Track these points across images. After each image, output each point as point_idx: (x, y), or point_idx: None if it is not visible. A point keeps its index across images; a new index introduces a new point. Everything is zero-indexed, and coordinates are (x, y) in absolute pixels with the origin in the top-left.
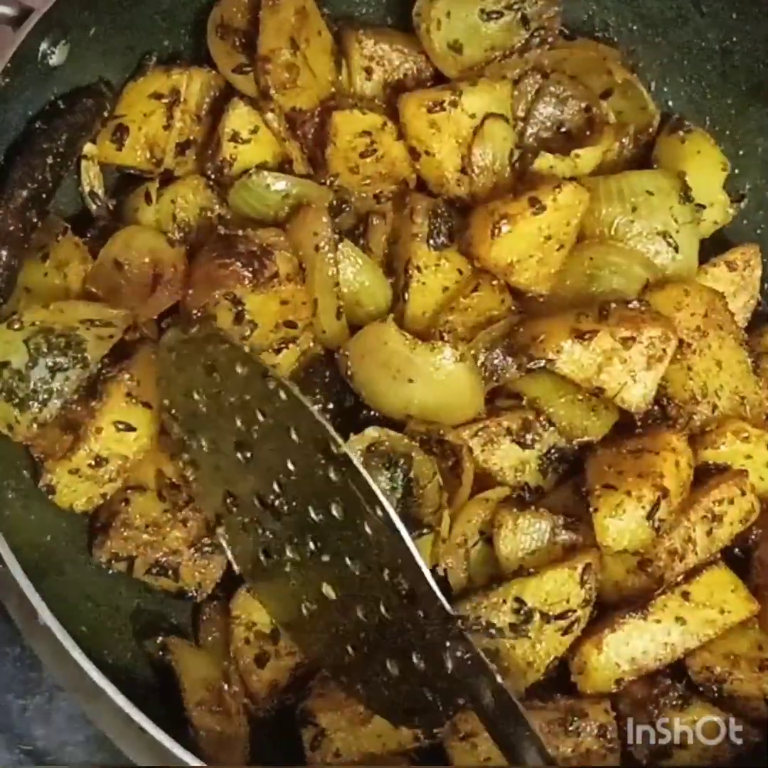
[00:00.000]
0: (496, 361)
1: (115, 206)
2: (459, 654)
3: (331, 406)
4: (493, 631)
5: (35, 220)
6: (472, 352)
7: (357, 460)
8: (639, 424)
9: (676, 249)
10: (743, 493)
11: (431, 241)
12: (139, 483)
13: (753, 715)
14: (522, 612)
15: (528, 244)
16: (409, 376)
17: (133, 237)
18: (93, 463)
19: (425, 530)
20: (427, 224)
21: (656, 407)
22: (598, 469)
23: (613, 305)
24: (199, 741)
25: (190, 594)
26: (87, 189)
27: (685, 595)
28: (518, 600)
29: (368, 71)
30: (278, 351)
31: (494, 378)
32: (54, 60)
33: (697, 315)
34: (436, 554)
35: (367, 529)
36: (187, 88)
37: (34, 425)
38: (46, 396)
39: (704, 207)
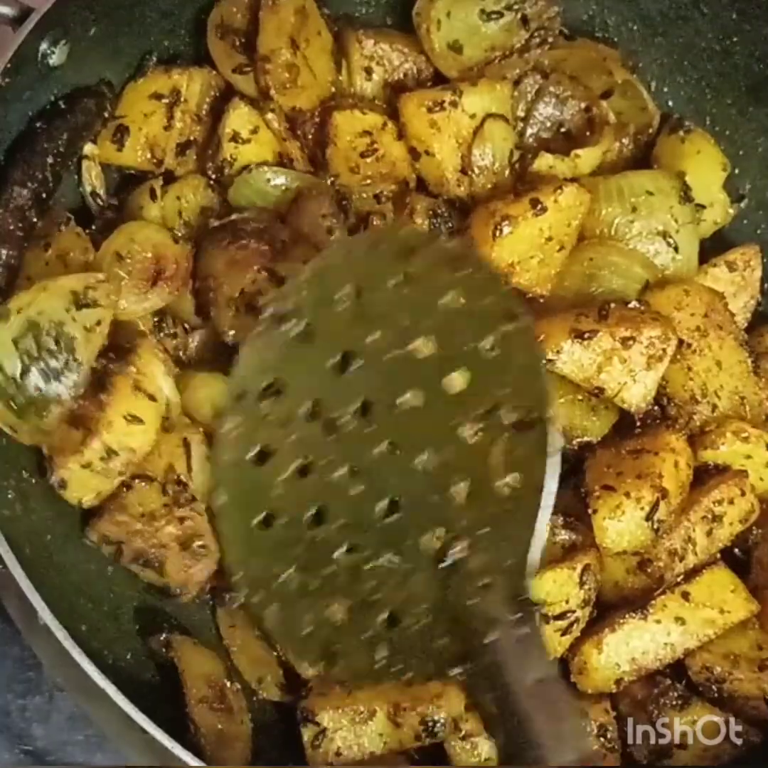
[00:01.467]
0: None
1: (119, 204)
2: (518, 632)
3: None
4: None
5: (35, 219)
6: None
7: (552, 429)
8: (638, 424)
9: (676, 249)
10: (743, 494)
11: None
12: (146, 473)
13: (753, 715)
14: None
15: (529, 245)
16: None
17: (137, 231)
18: (105, 455)
19: None
20: (427, 224)
21: (656, 407)
22: (597, 470)
23: (613, 305)
24: (201, 739)
25: (174, 592)
26: (88, 189)
27: (685, 596)
28: None
29: (368, 71)
30: None
31: None
32: (54, 60)
33: (697, 315)
34: None
35: (461, 489)
36: (187, 88)
37: (38, 431)
38: (44, 404)
39: (704, 207)
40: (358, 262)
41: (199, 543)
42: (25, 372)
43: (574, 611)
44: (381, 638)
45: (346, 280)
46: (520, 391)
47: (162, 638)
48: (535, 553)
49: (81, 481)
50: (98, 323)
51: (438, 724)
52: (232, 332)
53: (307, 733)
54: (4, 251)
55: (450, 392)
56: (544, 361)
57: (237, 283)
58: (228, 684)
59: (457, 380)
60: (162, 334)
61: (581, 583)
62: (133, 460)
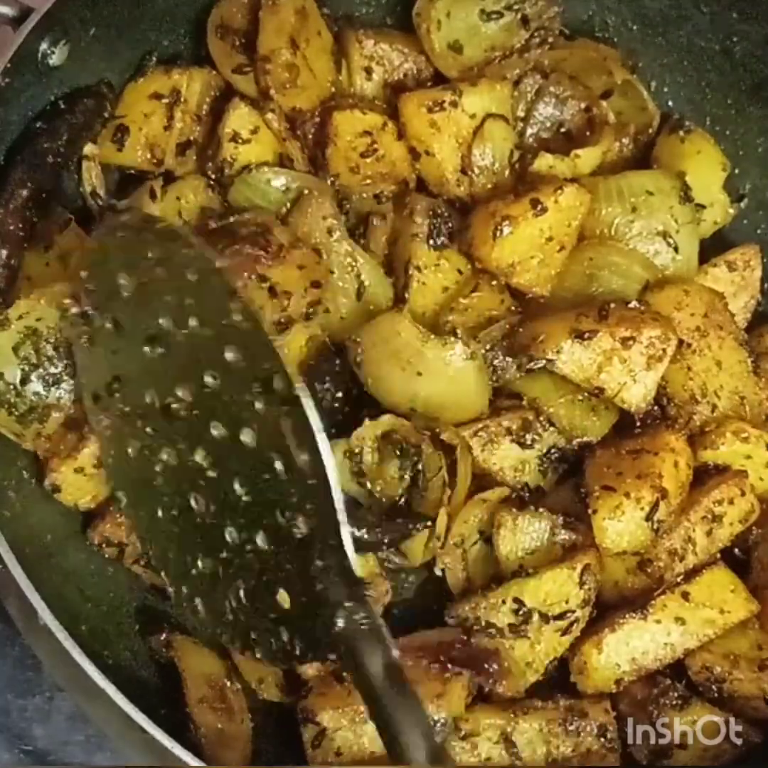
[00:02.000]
0: (496, 362)
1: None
2: (357, 617)
3: (339, 394)
4: (492, 631)
5: (35, 220)
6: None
7: (309, 404)
8: (638, 424)
9: (676, 249)
10: (743, 494)
11: (431, 241)
12: None
13: (753, 715)
14: (521, 612)
15: (529, 246)
16: (418, 368)
17: None
18: (97, 462)
19: (428, 523)
20: (427, 224)
21: (656, 407)
22: (597, 470)
23: (613, 305)
24: (201, 739)
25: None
26: (88, 189)
27: (685, 596)
28: (517, 600)
29: (368, 71)
30: (285, 328)
31: (494, 378)
32: (54, 60)
33: (696, 315)
34: (429, 550)
35: (278, 466)
36: (187, 88)
37: (40, 436)
38: (45, 410)
39: (704, 207)
40: (123, 247)
41: None
42: (25, 379)
43: (573, 611)
44: (281, 621)
45: (120, 267)
46: (266, 362)
47: (162, 638)
48: (346, 535)
49: (75, 485)
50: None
51: (439, 724)
52: None
53: (307, 733)
54: (4, 251)
55: (233, 367)
56: (268, 334)
57: None
58: (228, 684)
59: (231, 355)
60: None
61: (581, 583)
62: None
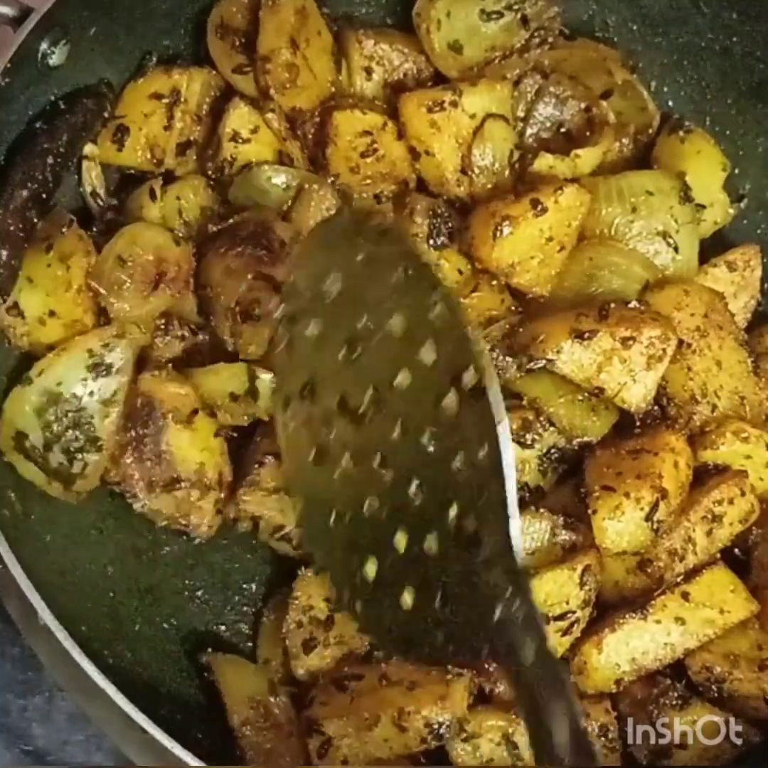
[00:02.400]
0: (496, 361)
1: (119, 204)
2: (515, 607)
3: None
4: None
5: (35, 220)
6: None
7: (495, 396)
8: (638, 424)
9: (676, 249)
10: (743, 494)
11: (431, 241)
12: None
13: (753, 715)
14: None
15: (529, 246)
16: None
17: (140, 233)
18: None
19: None
20: (427, 224)
21: (656, 407)
22: (596, 470)
23: (613, 305)
24: (247, 761)
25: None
26: (89, 189)
27: (685, 596)
28: None
29: (368, 71)
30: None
31: None
32: (54, 60)
33: (696, 315)
34: None
35: (457, 464)
36: (187, 88)
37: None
38: (72, 476)
39: (704, 207)
40: (332, 248)
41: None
42: (48, 447)
43: (574, 612)
44: (439, 622)
45: (330, 269)
46: (461, 356)
47: (204, 660)
48: (515, 527)
49: None
50: (115, 394)
51: (444, 726)
52: (232, 341)
53: (313, 743)
54: (4, 252)
55: (425, 365)
56: (469, 327)
57: (233, 293)
58: (272, 699)
59: (427, 353)
60: (169, 336)
61: (581, 584)
62: None
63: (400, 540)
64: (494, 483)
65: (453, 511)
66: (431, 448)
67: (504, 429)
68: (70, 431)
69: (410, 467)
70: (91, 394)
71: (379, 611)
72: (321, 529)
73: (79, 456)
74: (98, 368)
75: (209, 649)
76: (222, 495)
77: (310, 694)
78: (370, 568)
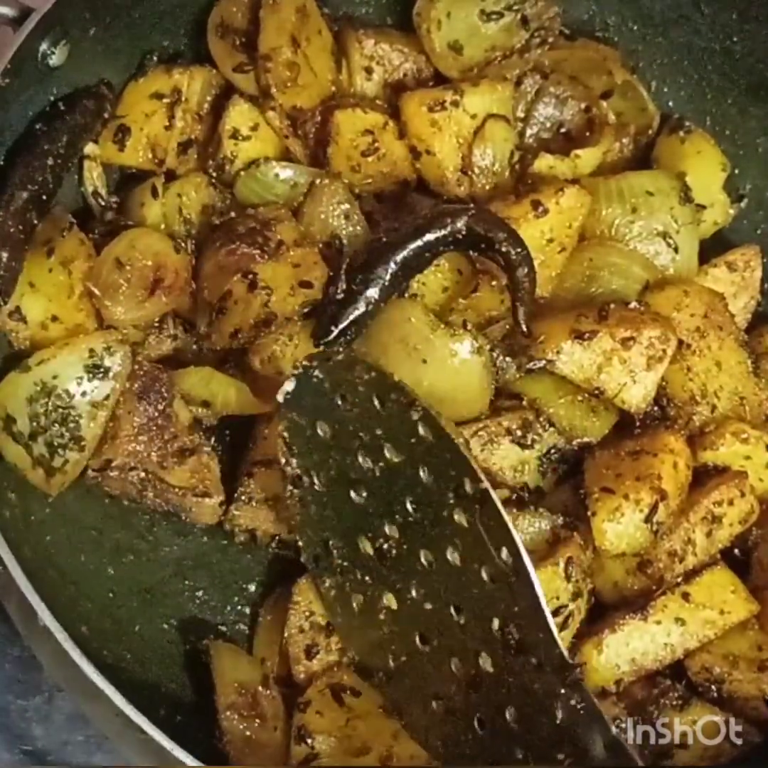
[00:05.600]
0: (496, 362)
1: (120, 202)
2: (573, 702)
3: None
4: None
5: (36, 221)
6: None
7: (496, 497)
8: (638, 424)
9: (676, 250)
10: (743, 495)
11: None
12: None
13: (753, 715)
14: None
15: (530, 247)
16: (424, 355)
17: (139, 238)
18: None
19: None
20: None
21: (656, 408)
22: (596, 472)
23: (613, 306)
24: (227, 745)
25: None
26: (90, 189)
27: (685, 596)
28: None
29: (368, 71)
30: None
31: (494, 378)
32: (54, 60)
33: (696, 316)
34: None
35: (485, 576)
36: (188, 87)
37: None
38: (51, 470)
39: (704, 207)
40: (305, 402)
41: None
42: (33, 436)
43: (566, 606)
44: (514, 738)
45: (309, 422)
46: (451, 469)
47: (203, 644)
48: (551, 621)
49: None
50: (106, 398)
51: None
52: (212, 336)
53: (299, 750)
54: (4, 254)
55: (427, 488)
56: (457, 439)
57: (218, 289)
58: (262, 690)
59: (424, 474)
60: (162, 335)
61: (567, 577)
62: None
63: (455, 666)
64: (523, 585)
65: (496, 625)
66: (457, 565)
67: (513, 530)
68: (56, 426)
69: (444, 591)
70: (84, 394)
71: (456, 740)
72: (384, 675)
73: (61, 452)
74: (95, 369)
75: (211, 636)
76: None
77: (305, 696)
78: (438, 705)
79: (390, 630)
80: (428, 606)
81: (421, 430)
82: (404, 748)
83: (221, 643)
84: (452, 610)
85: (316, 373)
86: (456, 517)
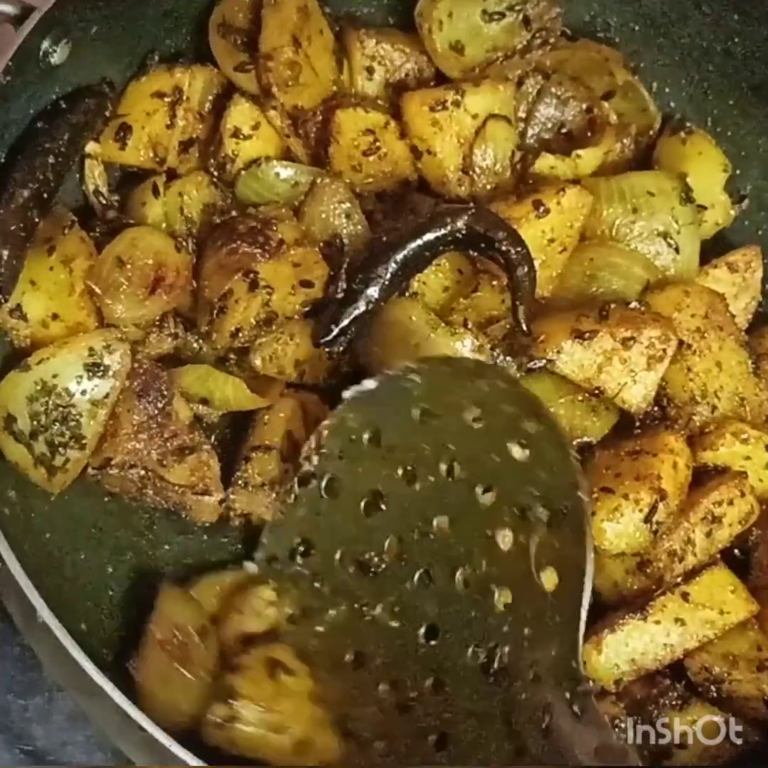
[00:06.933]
0: (496, 361)
1: (121, 201)
2: (572, 711)
3: None
4: None
5: (37, 219)
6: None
7: (588, 519)
8: (638, 424)
9: (677, 250)
10: (743, 495)
11: None
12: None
13: (752, 715)
14: None
15: (531, 247)
16: (424, 354)
17: (140, 237)
18: None
19: None
20: None
21: (656, 408)
22: (595, 472)
23: (613, 306)
24: (140, 673)
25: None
26: (91, 188)
27: (685, 596)
28: None
29: (369, 71)
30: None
31: None
32: (55, 59)
33: (697, 316)
34: None
35: (498, 599)
36: (189, 86)
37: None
38: (52, 469)
39: (705, 208)
40: (371, 407)
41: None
42: (33, 435)
43: None
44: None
45: (363, 428)
46: (550, 486)
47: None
48: (581, 637)
49: None
50: (106, 396)
51: None
52: (212, 335)
53: (217, 709)
54: (5, 252)
55: (480, 507)
56: (574, 454)
57: (218, 288)
58: (197, 641)
59: (485, 495)
60: (162, 333)
61: None
62: None
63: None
64: (563, 606)
65: (477, 649)
66: (465, 588)
67: (591, 555)
68: (57, 425)
69: (425, 613)
70: (84, 392)
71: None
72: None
73: (62, 451)
74: (95, 368)
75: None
76: None
77: (241, 659)
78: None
79: (325, 645)
80: (394, 624)
81: (515, 450)
82: (322, 738)
83: (178, 589)
84: (422, 631)
85: (413, 377)
86: (501, 537)
